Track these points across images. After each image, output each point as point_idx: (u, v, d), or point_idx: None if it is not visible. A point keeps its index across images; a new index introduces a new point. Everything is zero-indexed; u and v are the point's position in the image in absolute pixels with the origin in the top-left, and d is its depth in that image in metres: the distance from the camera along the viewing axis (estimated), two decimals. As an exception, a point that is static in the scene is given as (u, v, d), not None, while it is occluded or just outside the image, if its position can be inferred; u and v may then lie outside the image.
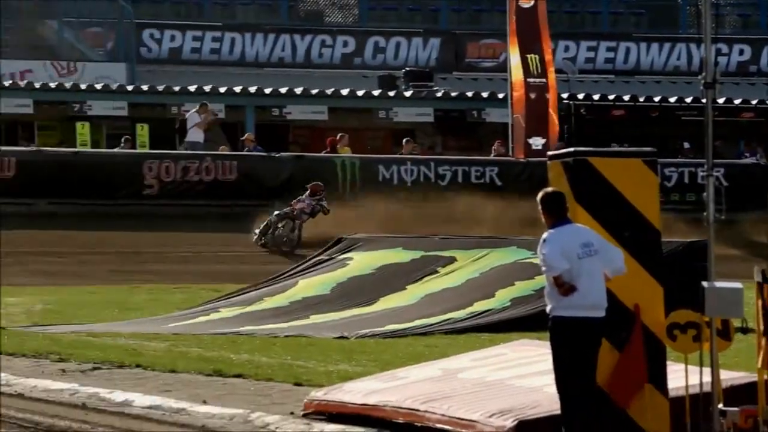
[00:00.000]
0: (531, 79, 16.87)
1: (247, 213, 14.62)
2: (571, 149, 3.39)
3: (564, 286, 2.51)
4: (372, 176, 15.99)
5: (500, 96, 18.41)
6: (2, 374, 3.78)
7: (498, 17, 20.69)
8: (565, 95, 18.33)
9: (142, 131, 17.91)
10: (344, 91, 18.87)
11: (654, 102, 19.09)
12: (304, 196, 14.37)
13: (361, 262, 8.92)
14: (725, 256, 6.49)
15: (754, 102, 19.34)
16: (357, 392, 3.39)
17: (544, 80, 17.06)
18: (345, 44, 21.71)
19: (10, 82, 18.54)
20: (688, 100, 18.23)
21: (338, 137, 17.16)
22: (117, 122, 18.96)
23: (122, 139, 17.22)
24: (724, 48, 21.12)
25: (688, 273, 4.89)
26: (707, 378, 2.61)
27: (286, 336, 6.70)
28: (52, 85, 18.50)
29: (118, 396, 3.56)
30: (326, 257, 9.37)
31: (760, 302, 2.59)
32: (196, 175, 15.73)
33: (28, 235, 12.55)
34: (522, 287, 7.33)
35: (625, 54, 22.32)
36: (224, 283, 10.23)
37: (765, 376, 2.56)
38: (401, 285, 8.35)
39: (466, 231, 11.82)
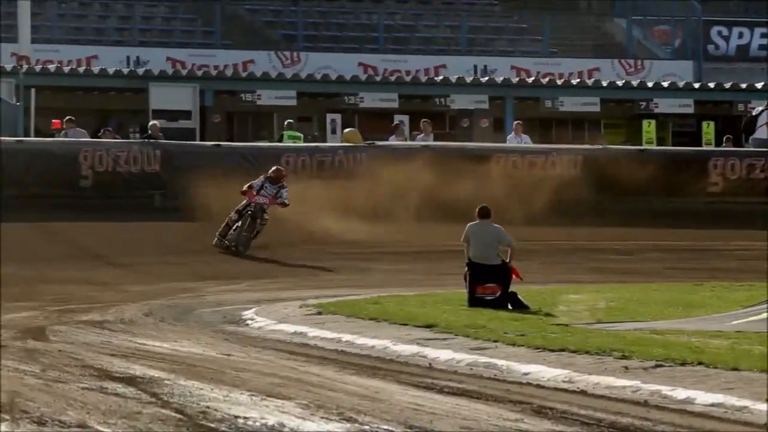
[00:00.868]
0: None
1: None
2: None
3: None
4: None
5: None
6: (565, 371, 4.18)
7: None
8: None
9: (708, 129, 17.51)
10: None
11: None
12: (258, 182, 11.92)
13: None
14: None
15: None
16: None
17: None
18: None
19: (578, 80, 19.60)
20: None
21: None
22: (682, 120, 18.78)
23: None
24: None
25: None
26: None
27: None
28: (619, 83, 19.16)
29: (680, 393, 3.43)
30: None
31: None
32: (761, 173, 15.28)
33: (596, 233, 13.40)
34: None
35: None
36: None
37: None
38: None
39: None
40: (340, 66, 19.24)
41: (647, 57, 21.38)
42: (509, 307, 7.23)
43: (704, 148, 16.80)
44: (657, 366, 4.12)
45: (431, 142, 15.85)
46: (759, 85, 17.83)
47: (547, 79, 19.24)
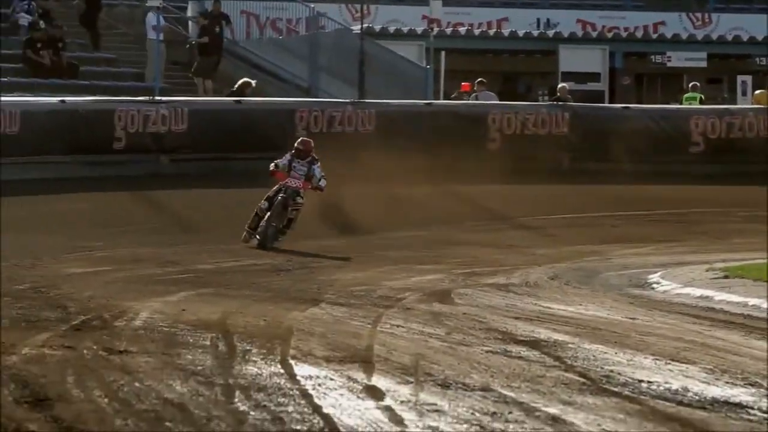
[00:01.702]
0: None
1: None
2: None
3: None
4: None
5: None
6: None
7: None
8: None
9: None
10: None
11: None
12: (284, 160, 10.18)
13: None
14: None
15: None
16: None
17: None
18: None
19: None
20: None
21: None
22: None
23: None
24: None
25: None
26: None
27: None
28: (729, 37, 19.18)
29: None
30: None
31: None
32: None
33: None
34: None
35: None
36: None
37: None
38: None
39: None
40: (750, 27, 19.03)
41: (716, 10, 21.17)
42: None
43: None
44: None
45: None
46: None
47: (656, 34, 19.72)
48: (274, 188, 10.17)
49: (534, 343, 4.13)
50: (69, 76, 15.54)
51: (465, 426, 2.39)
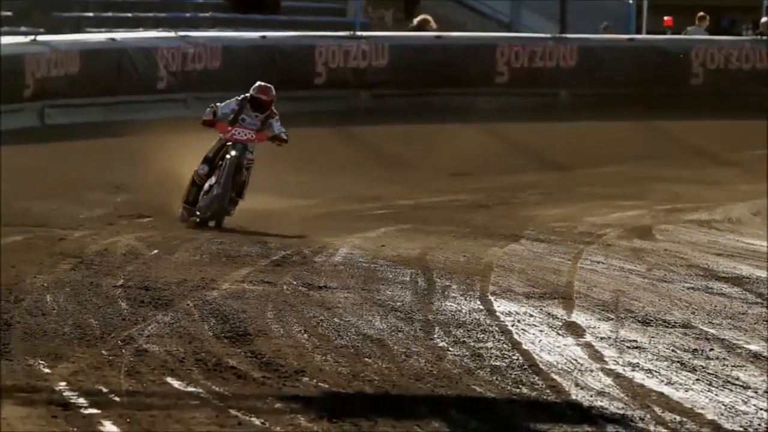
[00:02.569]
0: None
1: None
2: None
3: None
4: None
5: None
6: None
7: None
8: None
9: None
10: None
11: None
12: (229, 106, 7.12)
13: None
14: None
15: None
16: None
17: None
18: None
19: None
20: None
21: None
22: None
23: None
24: None
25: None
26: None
27: None
28: None
29: None
30: None
31: None
32: None
33: None
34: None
35: None
36: None
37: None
38: None
39: None
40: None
41: None
42: None
43: None
44: None
45: None
46: None
47: None
48: (214, 145, 7.04)
49: (736, 280, 3.94)
50: (270, 11, 14.97)
51: (665, 363, 2.40)
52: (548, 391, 2.27)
